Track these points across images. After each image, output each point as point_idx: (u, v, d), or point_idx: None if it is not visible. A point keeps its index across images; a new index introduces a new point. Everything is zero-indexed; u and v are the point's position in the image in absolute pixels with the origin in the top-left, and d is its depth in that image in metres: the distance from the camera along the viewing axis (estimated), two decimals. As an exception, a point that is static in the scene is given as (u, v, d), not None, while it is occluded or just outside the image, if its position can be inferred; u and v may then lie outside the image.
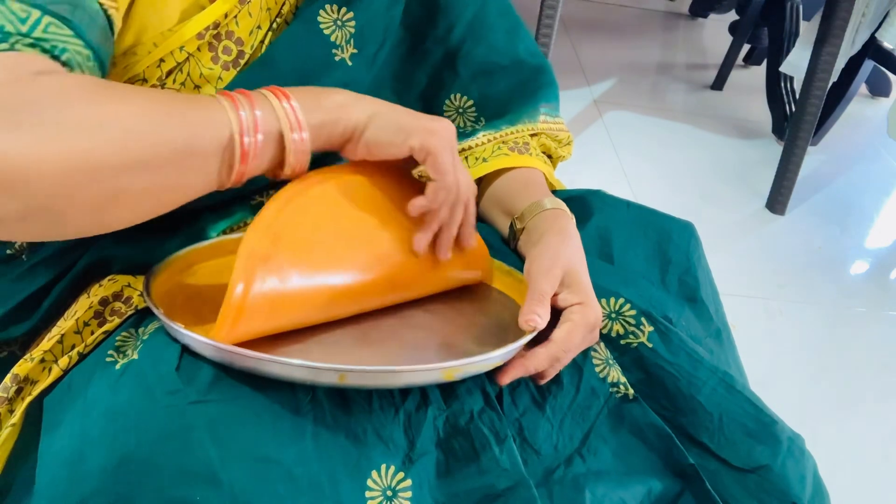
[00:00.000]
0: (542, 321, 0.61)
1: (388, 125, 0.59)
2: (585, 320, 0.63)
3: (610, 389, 0.67)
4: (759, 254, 1.86)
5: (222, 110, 0.53)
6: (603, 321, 0.69)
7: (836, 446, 1.37)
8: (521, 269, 0.70)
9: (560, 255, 0.66)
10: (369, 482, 0.54)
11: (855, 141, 2.43)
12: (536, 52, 0.84)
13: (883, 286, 1.85)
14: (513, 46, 0.81)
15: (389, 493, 0.54)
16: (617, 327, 0.69)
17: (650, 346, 0.68)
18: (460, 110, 0.81)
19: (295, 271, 0.56)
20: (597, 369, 0.67)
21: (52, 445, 0.55)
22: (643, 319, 0.69)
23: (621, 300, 0.70)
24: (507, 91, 0.81)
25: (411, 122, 0.60)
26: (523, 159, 0.79)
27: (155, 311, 0.57)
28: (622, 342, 0.69)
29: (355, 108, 0.59)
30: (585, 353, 0.67)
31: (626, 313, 0.70)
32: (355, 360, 0.58)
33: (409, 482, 0.55)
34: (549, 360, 0.62)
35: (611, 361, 0.68)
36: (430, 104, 0.81)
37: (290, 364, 0.52)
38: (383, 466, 0.55)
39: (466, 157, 0.79)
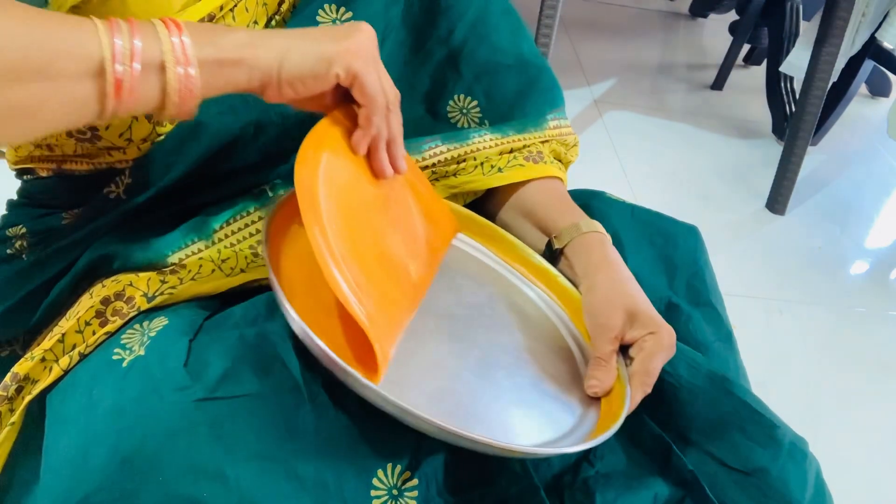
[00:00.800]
0: (604, 386, 0.64)
1: (306, 57, 0.56)
2: (660, 346, 0.65)
3: None
4: (759, 254, 1.86)
5: (94, 33, 0.49)
6: None
7: (836, 446, 1.37)
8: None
9: (614, 300, 0.67)
10: (375, 481, 0.54)
11: (855, 141, 2.43)
12: (538, 54, 0.84)
13: (883, 286, 1.85)
14: (517, 46, 0.81)
15: (395, 492, 0.54)
16: None
17: None
18: (464, 111, 0.81)
19: (391, 306, 0.59)
20: None
21: (57, 443, 0.55)
22: None
23: None
24: (514, 93, 0.81)
25: (330, 47, 0.57)
26: (540, 168, 0.79)
27: (304, 332, 0.54)
28: None
29: (262, 47, 0.55)
30: None
31: None
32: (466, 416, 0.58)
33: (415, 482, 0.55)
34: (642, 393, 0.64)
35: None
36: (433, 105, 0.81)
37: (442, 428, 0.51)
38: (389, 466, 0.55)
39: (481, 164, 0.78)
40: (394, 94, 0.62)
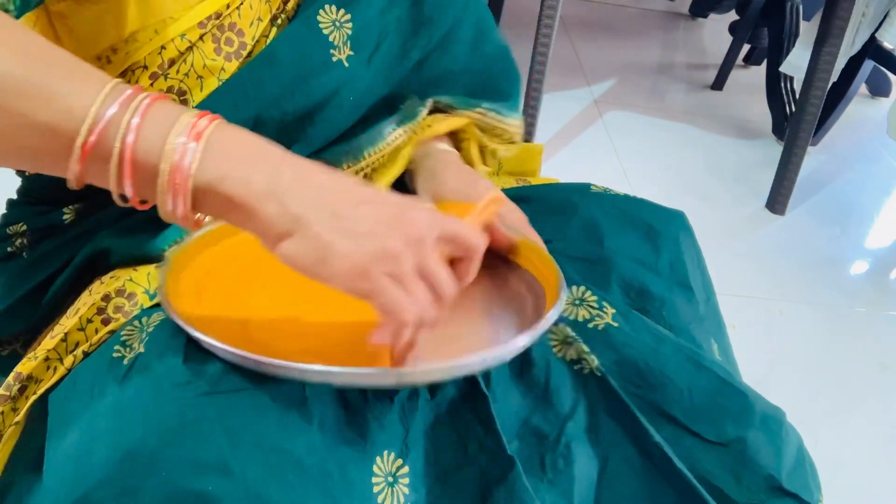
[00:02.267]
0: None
1: (341, 272, 0.48)
2: (519, 214, 0.72)
3: (574, 367, 0.67)
4: (759, 254, 1.86)
5: (93, 93, 0.45)
6: (568, 308, 0.70)
7: (836, 446, 1.37)
8: None
9: (475, 181, 0.74)
10: (374, 468, 0.55)
11: (855, 141, 2.43)
12: (491, 63, 0.86)
13: (883, 286, 1.85)
14: (469, 58, 0.84)
15: (391, 479, 0.55)
16: (583, 312, 0.70)
17: (616, 325, 0.69)
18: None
19: None
20: (554, 349, 0.68)
21: (59, 441, 0.55)
22: (605, 303, 0.70)
23: (582, 288, 0.71)
24: (453, 99, 0.84)
25: (371, 266, 0.48)
26: (455, 121, 0.82)
27: (175, 319, 0.56)
28: (590, 325, 0.69)
29: (275, 201, 0.47)
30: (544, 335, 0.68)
31: (589, 298, 0.71)
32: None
33: (406, 468, 0.56)
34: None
35: (569, 340, 0.68)
36: (393, 102, 0.82)
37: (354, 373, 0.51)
38: (385, 452, 0.56)
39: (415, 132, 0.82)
40: (448, 291, 0.51)
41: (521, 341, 0.55)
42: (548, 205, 0.78)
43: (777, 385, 1.44)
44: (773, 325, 1.65)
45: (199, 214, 0.49)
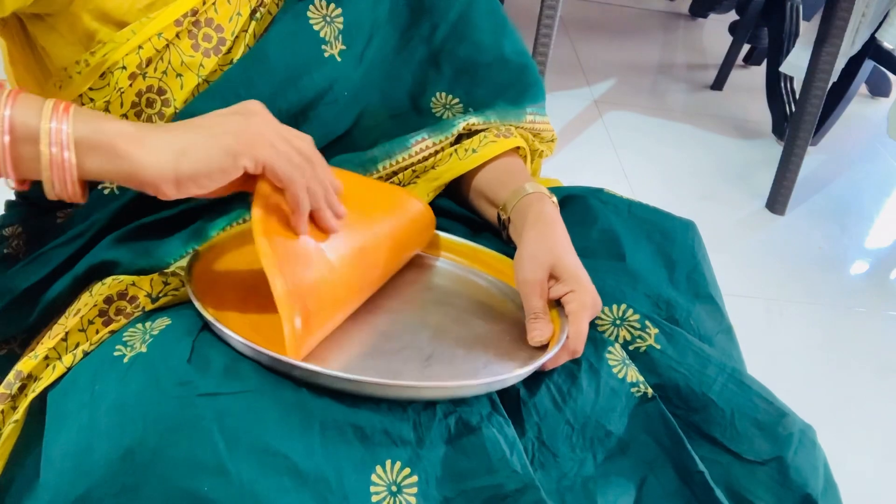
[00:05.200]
0: (544, 335, 0.64)
1: (211, 153, 0.55)
2: (582, 304, 0.65)
3: (630, 389, 0.67)
4: (759, 254, 1.86)
5: None
6: (609, 328, 0.70)
7: (836, 447, 1.36)
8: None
9: (538, 255, 0.68)
10: (374, 477, 0.54)
11: (855, 141, 2.43)
12: (521, 51, 0.85)
13: (883, 286, 1.85)
14: (498, 45, 0.82)
15: (394, 488, 0.54)
16: (624, 333, 0.69)
17: (658, 347, 0.68)
18: (447, 107, 0.82)
19: (318, 287, 0.59)
20: (614, 370, 0.67)
21: (59, 439, 0.55)
22: (647, 322, 0.69)
23: (623, 306, 0.70)
24: (494, 90, 0.83)
25: (231, 141, 0.55)
26: (508, 142, 0.80)
27: (206, 316, 0.58)
28: (631, 348, 0.69)
29: (147, 147, 0.54)
30: (600, 357, 0.67)
31: (630, 318, 0.70)
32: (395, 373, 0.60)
33: (415, 478, 0.55)
34: (570, 354, 0.64)
35: (627, 361, 0.68)
36: (417, 101, 0.82)
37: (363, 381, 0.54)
38: (388, 462, 0.55)
39: (455, 150, 0.80)
40: (308, 148, 0.60)
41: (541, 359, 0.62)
42: (566, 213, 0.77)
43: (777, 385, 1.44)
44: (773, 325, 1.65)
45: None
